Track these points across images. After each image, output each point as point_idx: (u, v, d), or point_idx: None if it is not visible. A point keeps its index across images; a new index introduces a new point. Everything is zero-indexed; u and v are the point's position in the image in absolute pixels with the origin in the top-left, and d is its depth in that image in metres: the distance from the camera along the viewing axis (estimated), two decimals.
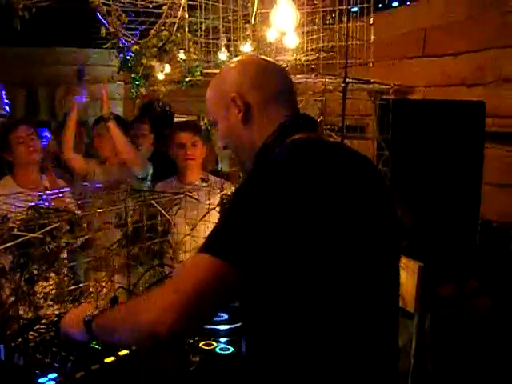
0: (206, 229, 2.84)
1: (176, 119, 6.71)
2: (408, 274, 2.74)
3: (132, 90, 3.76)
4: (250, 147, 1.72)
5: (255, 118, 1.71)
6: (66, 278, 2.43)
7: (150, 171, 4.66)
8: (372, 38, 3.40)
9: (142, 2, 3.20)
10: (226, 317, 2.05)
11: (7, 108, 6.38)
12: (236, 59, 1.93)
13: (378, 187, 1.67)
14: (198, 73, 3.70)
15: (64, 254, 2.41)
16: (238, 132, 1.74)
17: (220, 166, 5.20)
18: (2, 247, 2.11)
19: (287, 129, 1.68)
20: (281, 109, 1.72)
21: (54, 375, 1.67)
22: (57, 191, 2.94)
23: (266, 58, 1.96)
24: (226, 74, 1.81)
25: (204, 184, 3.54)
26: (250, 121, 1.72)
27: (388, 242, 1.63)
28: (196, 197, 2.95)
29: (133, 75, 3.58)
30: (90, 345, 1.84)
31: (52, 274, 2.36)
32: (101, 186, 3.02)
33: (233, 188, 3.12)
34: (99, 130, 4.62)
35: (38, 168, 3.81)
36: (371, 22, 3.19)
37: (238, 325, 1.99)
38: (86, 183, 4.05)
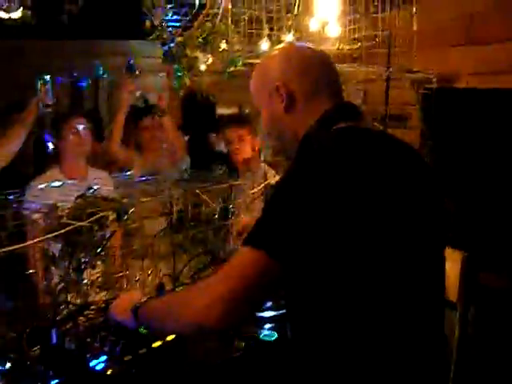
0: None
1: (218, 110, 6.73)
2: (451, 264, 2.72)
3: (175, 82, 3.79)
4: (293, 136, 1.71)
5: (298, 106, 1.70)
6: (112, 266, 2.49)
7: (189, 161, 4.70)
8: (415, 26, 3.37)
9: None
10: (269, 304, 2.07)
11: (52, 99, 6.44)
12: (280, 47, 1.91)
13: (424, 177, 1.65)
14: (240, 63, 3.72)
15: (112, 242, 2.46)
16: (281, 120, 1.73)
17: (263, 154, 5.22)
18: (51, 235, 2.16)
19: (331, 118, 1.65)
20: (325, 97, 1.70)
21: (103, 358, 1.71)
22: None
23: (310, 45, 1.92)
24: (270, 62, 1.79)
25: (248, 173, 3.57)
26: (293, 110, 1.70)
27: (433, 232, 1.61)
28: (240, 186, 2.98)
29: (175, 66, 3.62)
30: (138, 330, 1.89)
31: (98, 262, 2.41)
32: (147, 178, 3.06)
33: (276, 177, 3.14)
34: (146, 123, 4.61)
35: (85, 160, 3.88)
36: (414, 11, 3.17)
37: (282, 311, 2.01)
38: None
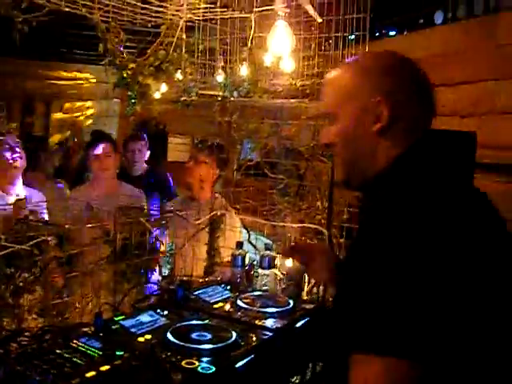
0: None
1: (171, 138, 6.73)
2: None
3: (127, 108, 3.77)
4: (367, 165, 1.46)
5: (393, 133, 1.43)
6: (51, 292, 2.44)
7: None
8: None
9: (141, 21, 3.23)
10: (209, 336, 2.04)
11: None
12: (382, 52, 1.54)
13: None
14: (194, 93, 3.72)
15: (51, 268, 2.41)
16: (364, 141, 1.45)
17: None
18: None
19: (435, 159, 1.40)
20: (417, 127, 1.45)
21: None
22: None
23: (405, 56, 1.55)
24: (375, 67, 1.47)
25: (193, 203, 3.55)
26: (385, 135, 1.43)
27: None
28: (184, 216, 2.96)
29: (129, 93, 3.60)
30: (72, 359, 1.84)
31: (37, 287, 2.35)
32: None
33: (225, 208, 3.13)
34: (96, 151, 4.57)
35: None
36: (366, 50, 3.21)
37: (221, 345, 1.99)
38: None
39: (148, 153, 5.48)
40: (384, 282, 1.19)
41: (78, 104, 7.73)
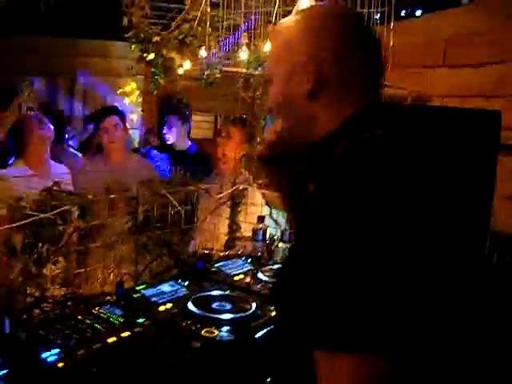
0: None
1: (193, 116, 6.74)
2: None
3: (151, 84, 3.79)
4: (305, 130, 1.35)
5: (327, 96, 1.31)
6: (73, 263, 2.46)
7: None
8: (391, 42, 3.39)
9: None
10: (229, 307, 2.06)
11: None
12: (314, 8, 1.44)
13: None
14: (218, 70, 3.72)
15: (74, 239, 2.43)
16: (298, 106, 1.34)
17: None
18: (13, 225, 2.14)
19: (362, 121, 1.28)
20: (360, 91, 1.32)
21: (56, 351, 1.69)
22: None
23: (354, 12, 1.46)
24: (300, 29, 1.35)
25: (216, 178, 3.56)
26: (318, 98, 1.31)
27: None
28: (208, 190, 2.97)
29: (152, 69, 3.61)
30: (93, 325, 1.87)
31: (60, 258, 2.38)
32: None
33: (245, 183, 3.13)
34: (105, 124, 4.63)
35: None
36: (391, 27, 3.19)
37: (241, 315, 2.00)
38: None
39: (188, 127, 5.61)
40: (347, 261, 1.03)
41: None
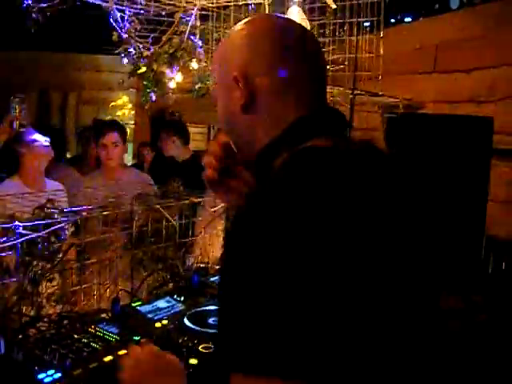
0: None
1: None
2: None
3: (143, 98, 3.79)
4: (248, 144, 1.33)
5: (261, 109, 1.28)
6: (69, 280, 2.46)
7: None
8: (381, 51, 3.41)
9: (156, 9, 3.23)
10: None
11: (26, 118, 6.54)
12: (249, 20, 1.39)
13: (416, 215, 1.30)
14: (210, 81, 3.72)
15: (69, 256, 2.43)
16: (236, 120, 1.32)
17: None
18: (6, 245, 2.13)
19: (302, 130, 1.25)
20: (298, 101, 1.28)
21: (52, 372, 1.68)
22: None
23: (292, 19, 1.41)
24: (232, 43, 1.34)
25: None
26: (253, 111, 1.29)
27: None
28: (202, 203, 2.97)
29: (145, 82, 3.61)
30: (90, 344, 1.86)
31: (56, 275, 2.38)
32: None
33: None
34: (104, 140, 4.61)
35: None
36: (381, 35, 3.20)
37: None
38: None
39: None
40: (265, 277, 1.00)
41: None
